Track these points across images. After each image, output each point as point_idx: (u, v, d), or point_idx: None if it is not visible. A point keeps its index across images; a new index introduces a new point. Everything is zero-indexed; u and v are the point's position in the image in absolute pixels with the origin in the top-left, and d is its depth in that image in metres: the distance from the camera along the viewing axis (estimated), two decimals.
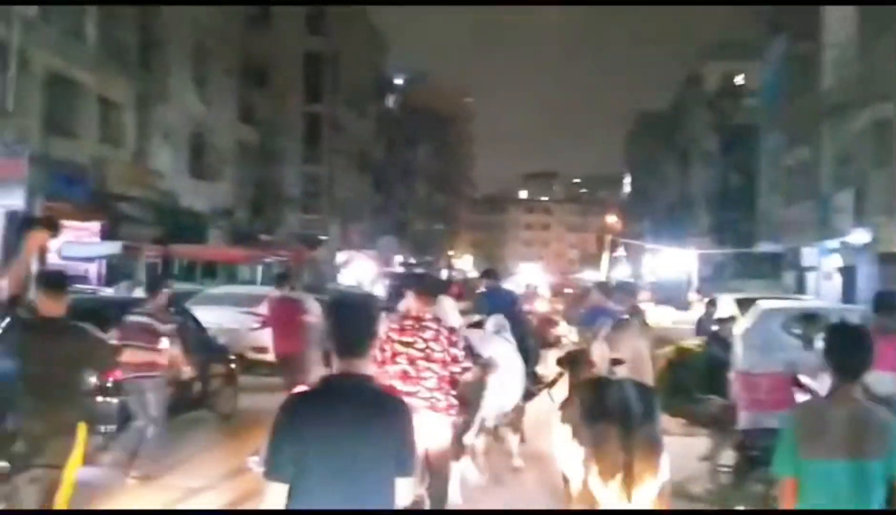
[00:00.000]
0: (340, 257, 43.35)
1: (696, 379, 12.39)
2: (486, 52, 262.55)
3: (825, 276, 27.76)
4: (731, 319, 12.76)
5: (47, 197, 18.42)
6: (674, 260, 17.31)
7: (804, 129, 27.04)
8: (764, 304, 13.58)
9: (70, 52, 21.69)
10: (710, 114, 43.46)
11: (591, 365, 5.69)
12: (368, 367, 3.28)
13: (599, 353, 5.61)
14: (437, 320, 6.17)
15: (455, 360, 5.89)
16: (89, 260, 19.99)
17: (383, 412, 3.14)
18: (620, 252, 16.89)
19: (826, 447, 3.28)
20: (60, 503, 5.16)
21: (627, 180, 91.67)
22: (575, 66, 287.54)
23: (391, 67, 63.17)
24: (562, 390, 6.08)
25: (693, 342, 12.62)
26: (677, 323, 13.37)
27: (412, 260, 57.25)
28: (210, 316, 12.45)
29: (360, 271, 37.86)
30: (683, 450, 10.19)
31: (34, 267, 5.52)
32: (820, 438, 3.30)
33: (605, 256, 15.90)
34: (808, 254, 29.35)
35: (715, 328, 12.72)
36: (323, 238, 42.57)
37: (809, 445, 3.30)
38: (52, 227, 5.65)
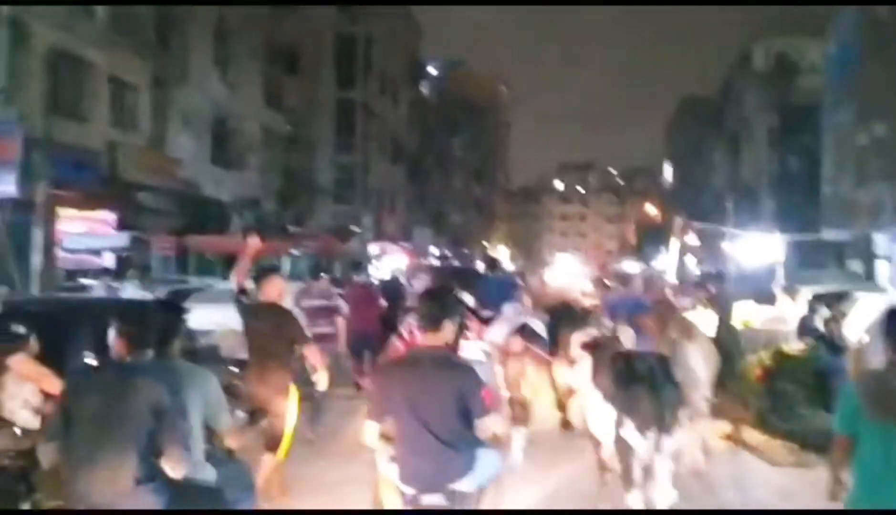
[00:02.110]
0: (374, 249, 41.60)
1: (802, 390, 10.29)
2: (521, 40, 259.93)
3: None
4: (840, 317, 10.61)
5: (53, 183, 16.71)
6: (755, 247, 15.08)
7: (880, 104, 24.57)
8: (889, 300, 11.42)
9: (77, 27, 19.95)
10: (763, 94, 40.91)
11: (617, 343, 6.58)
12: (444, 340, 4.37)
13: (626, 335, 6.63)
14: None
15: (466, 329, 6.70)
16: (95, 252, 18.25)
17: (451, 371, 4.28)
18: (691, 238, 15.11)
19: (887, 411, 3.70)
20: (283, 448, 6.49)
21: (666, 170, 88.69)
22: (612, 55, 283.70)
23: (426, 54, 61.19)
24: (583, 369, 6.90)
25: (794, 346, 10.52)
26: (769, 322, 11.28)
27: (448, 253, 55.38)
28: (214, 317, 10.43)
29: (393, 263, 35.98)
30: (800, 486, 8.02)
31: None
32: (882, 403, 3.73)
33: (674, 242, 14.03)
34: (881, 241, 26.93)
35: (822, 329, 10.62)
36: (356, 229, 40.80)
37: (873, 408, 3.73)
38: (260, 233, 8.00)
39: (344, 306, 11.13)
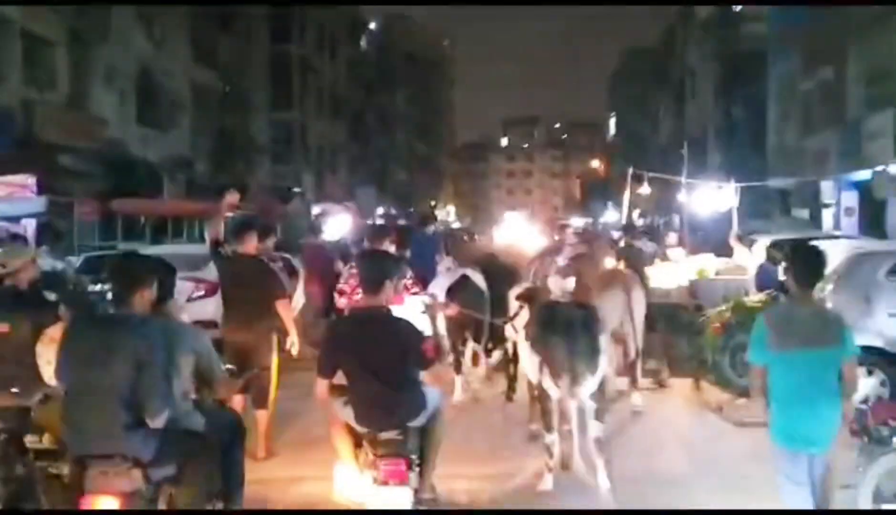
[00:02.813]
0: (316, 210, 40.50)
1: None
2: None
3: (847, 212, 25.21)
4: None
5: None
6: (710, 197, 14.54)
7: (826, 48, 24.16)
8: (852, 247, 10.93)
9: None
10: (707, 43, 40.48)
11: (547, 294, 6.83)
12: (385, 299, 4.78)
13: (554, 284, 6.80)
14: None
15: (406, 289, 6.84)
16: (13, 219, 16.98)
17: (394, 329, 4.73)
18: (643, 189, 14.54)
19: (794, 339, 4.25)
20: (272, 401, 7.00)
21: (611, 123, 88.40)
22: (556, 8, 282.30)
23: (366, 8, 59.53)
24: (520, 321, 7.13)
25: (755, 298, 9.96)
26: (726, 272, 10.72)
27: (393, 212, 54.47)
28: None
29: (337, 224, 34.96)
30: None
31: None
32: (789, 333, 4.27)
33: (626, 194, 13.40)
34: (827, 189, 26.80)
35: (781, 278, 10.11)
36: (296, 190, 39.59)
37: (780, 339, 4.27)
38: (242, 191, 7.98)
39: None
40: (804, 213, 28.63)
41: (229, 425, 4.85)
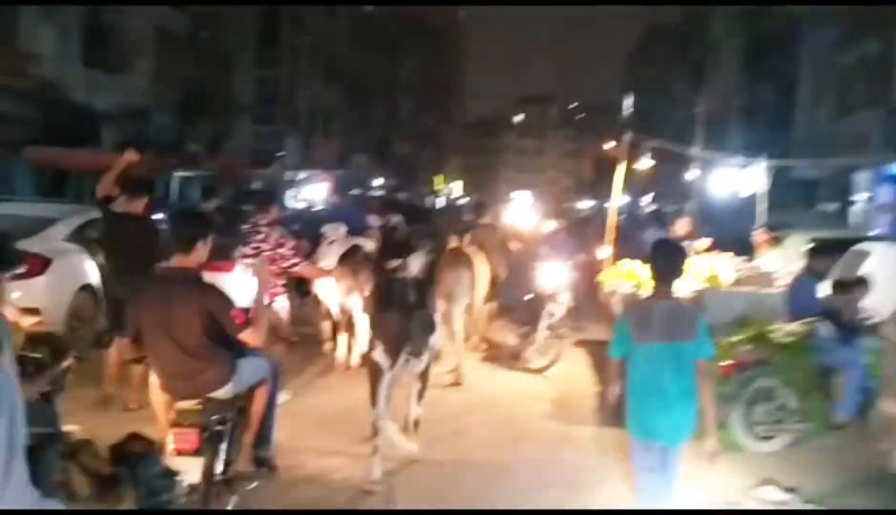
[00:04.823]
0: (301, 176, 37.63)
1: (793, 396, 6.77)
2: None
3: (881, 209, 22.09)
4: (860, 284, 6.98)
5: None
6: (733, 177, 11.16)
7: (871, 17, 20.91)
8: None
9: None
10: (733, 16, 37.13)
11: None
12: (197, 261, 4.73)
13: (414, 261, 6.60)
14: (270, 225, 8.00)
15: (282, 257, 7.65)
16: None
17: (198, 291, 4.62)
18: (645, 162, 11.88)
19: (651, 333, 4.33)
20: None
21: (628, 105, 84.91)
22: None
23: None
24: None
25: (787, 328, 6.84)
26: (747, 281, 7.58)
27: (393, 184, 51.54)
28: None
29: (316, 193, 32.15)
30: None
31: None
32: (647, 326, 4.34)
33: (621, 170, 10.48)
34: (861, 181, 23.69)
35: (826, 300, 7.00)
36: (280, 154, 36.65)
37: (640, 332, 4.36)
38: (139, 149, 7.81)
39: None
40: (831, 207, 25.61)
41: (45, 423, 4.27)
